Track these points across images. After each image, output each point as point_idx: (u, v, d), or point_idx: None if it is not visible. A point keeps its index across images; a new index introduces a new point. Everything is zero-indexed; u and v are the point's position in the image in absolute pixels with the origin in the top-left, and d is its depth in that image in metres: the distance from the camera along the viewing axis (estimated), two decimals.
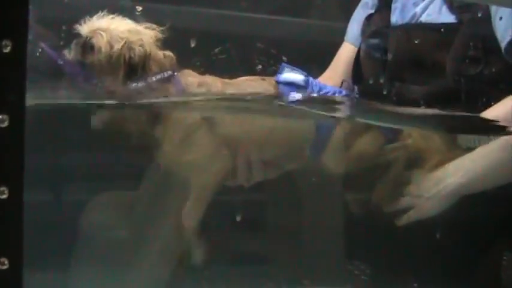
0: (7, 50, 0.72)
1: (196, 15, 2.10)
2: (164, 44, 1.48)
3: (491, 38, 1.57)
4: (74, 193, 1.62)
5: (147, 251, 1.56)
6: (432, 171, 1.56)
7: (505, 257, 1.59)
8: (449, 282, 1.55)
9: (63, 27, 1.43)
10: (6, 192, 0.72)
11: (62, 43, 1.43)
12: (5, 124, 0.72)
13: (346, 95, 1.62)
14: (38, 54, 1.34)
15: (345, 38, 1.86)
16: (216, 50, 1.59)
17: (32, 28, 0.76)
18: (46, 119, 1.42)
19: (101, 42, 1.41)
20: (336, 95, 1.59)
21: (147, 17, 1.47)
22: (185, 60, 1.50)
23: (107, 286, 1.54)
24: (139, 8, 1.47)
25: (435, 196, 1.53)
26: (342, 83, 1.67)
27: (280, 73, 1.54)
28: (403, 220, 1.55)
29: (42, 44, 1.37)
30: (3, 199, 0.72)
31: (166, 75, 1.45)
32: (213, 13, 2.16)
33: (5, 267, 0.73)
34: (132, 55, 1.42)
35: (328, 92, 1.57)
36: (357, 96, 1.69)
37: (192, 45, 1.50)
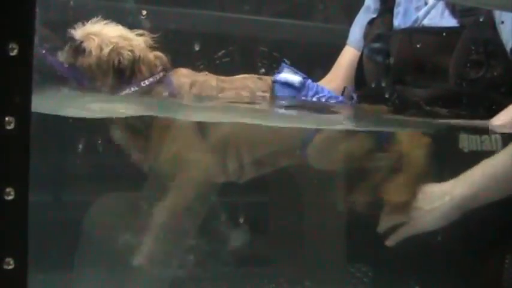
0: (14, 52, 0.73)
1: (200, 18, 2.11)
2: (167, 46, 1.49)
3: (493, 42, 1.57)
4: (77, 194, 1.63)
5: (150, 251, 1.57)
6: (409, 180, 1.55)
7: (507, 260, 1.59)
8: (451, 285, 1.55)
9: (69, 30, 1.45)
10: (12, 193, 0.73)
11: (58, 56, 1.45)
12: (12, 126, 0.73)
13: (341, 102, 1.61)
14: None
15: (347, 42, 1.87)
16: (220, 53, 1.60)
17: (37, 31, 0.77)
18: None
19: (92, 45, 1.43)
20: (332, 100, 1.58)
21: (151, 19, 1.48)
22: (188, 63, 1.51)
23: (110, 286, 1.54)
24: (144, 12, 1.48)
25: (437, 210, 1.51)
26: (344, 89, 1.66)
27: (279, 72, 1.55)
28: (394, 239, 1.53)
29: (41, 49, 1.39)
30: (10, 200, 0.73)
31: (158, 77, 1.47)
32: (217, 16, 2.17)
33: (10, 267, 0.74)
34: (121, 59, 1.44)
35: (323, 96, 1.57)
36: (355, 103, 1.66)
37: (196, 48, 1.50)
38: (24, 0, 0.74)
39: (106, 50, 1.44)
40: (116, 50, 1.44)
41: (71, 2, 1.49)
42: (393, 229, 1.53)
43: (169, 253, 1.59)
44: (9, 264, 0.73)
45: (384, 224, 1.54)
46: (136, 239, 1.53)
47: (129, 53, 1.45)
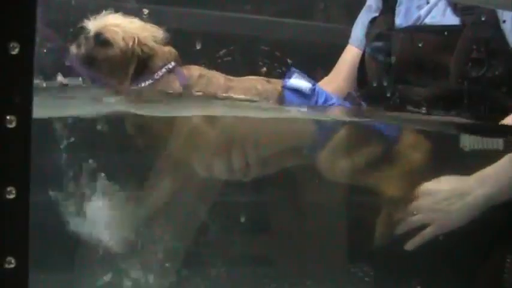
0: (15, 51, 0.73)
1: (201, 18, 2.11)
2: (170, 45, 1.50)
3: (494, 41, 1.57)
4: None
5: (154, 248, 1.57)
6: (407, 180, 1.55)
7: (508, 260, 1.59)
8: (452, 285, 1.55)
9: (70, 30, 1.44)
10: (13, 192, 0.73)
11: (68, 45, 1.44)
12: (13, 125, 0.73)
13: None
14: (45, 55, 1.35)
15: (349, 41, 1.87)
16: (221, 53, 1.60)
17: (38, 30, 0.77)
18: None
19: (116, 37, 1.42)
20: None
21: (153, 19, 1.48)
22: (190, 62, 1.51)
23: (113, 285, 1.55)
24: (146, 11, 1.48)
25: (460, 209, 1.52)
26: (348, 94, 1.65)
27: (289, 78, 1.53)
28: (416, 242, 1.53)
29: (54, 45, 1.38)
30: (11, 199, 0.73)
31: (170, 66, 1.46)
32: (218, 15, 2.17)
33: (11, 266, 0.74)
34: (144, 50, 1.44)
35: (333, 104, 1.56)
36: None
37: (198, 47, 1.51)
38: None
39: (131, 42, 1.43)
40: (140, 41, 1.44)
41: (72, 1, 1.49)
42: (411, 233, 1.54)
43: (171, 252, 1.60)
44: (10, 263, 0.73)
45: (404, 227, 1.54)
46: (138, 239, 1.54)
47: (153, 43, 1.45)
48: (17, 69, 0.74)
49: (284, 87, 1.52)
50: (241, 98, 1.48)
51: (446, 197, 1.53)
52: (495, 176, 1.51)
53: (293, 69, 1.54)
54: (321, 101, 1.53)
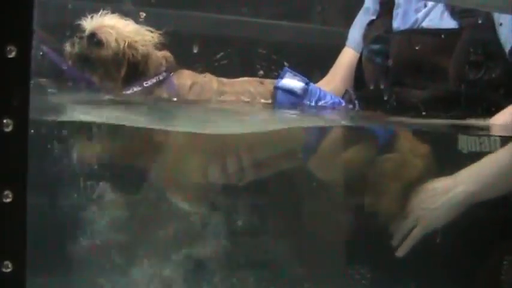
0: (12, 55, 0.73)
1: (198, 20, 2.11)
2: (166, 48, 1.50)
3: (492, 44, 1.57)
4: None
5: (148, 254, 1.57)
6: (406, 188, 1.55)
7: (505, 261, 1.59)
8: (450, 287, 1.55)
9: (67, 33, 1.45)
10: (10, 196, 0.73)
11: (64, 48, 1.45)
12: (10, 128, 0.73)
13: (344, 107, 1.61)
14: (41, 58, 1.35)
15: (346, 44, 1.87)
16: (218, 56, 1.60)
17: (35, 33, 0.77)
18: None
19: (109, 38, 1.43)
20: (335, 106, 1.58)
21: (150, 21, 1.48)
22: (187, 65, 1.51)
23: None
24: (143, 15, 1.48)
25: (442, 206, 1.53)
26: (346, 92, 1.65)
27: (282, 78, 1.53)
28: (406, 245, 1.54)
29: (46, 49, 1.39)
30: (8, 203, 0.73)
31: (161, 77, 1.46)
32: (215, 18, 2.17)
33: (8, 270, 0.73)
34: (135, 54, 1.44)
35: (327, 103, 1.56)
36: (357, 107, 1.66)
37: (195, 50, 1.51)
38: (22, 2, 0.74)
39: (123, 44, 1.43)
40: (131, 45, 1.44)
41: (69, 5, 1.49)
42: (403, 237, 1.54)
43: (169, 256, 1.60)
44: (8, 267, 0.73)
45: (398, 236, 1.55)
46: (134, 242, 1.53)
47: (143, 48, 1.45)
48: (13, 73, 0.73)
49: (276, 87, 1.52)
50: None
51: (431, 195, 1.54)
52: (477, 174, 1.52)
53: (286, 68, 1.54)
54: (313, 100, 1.53)
